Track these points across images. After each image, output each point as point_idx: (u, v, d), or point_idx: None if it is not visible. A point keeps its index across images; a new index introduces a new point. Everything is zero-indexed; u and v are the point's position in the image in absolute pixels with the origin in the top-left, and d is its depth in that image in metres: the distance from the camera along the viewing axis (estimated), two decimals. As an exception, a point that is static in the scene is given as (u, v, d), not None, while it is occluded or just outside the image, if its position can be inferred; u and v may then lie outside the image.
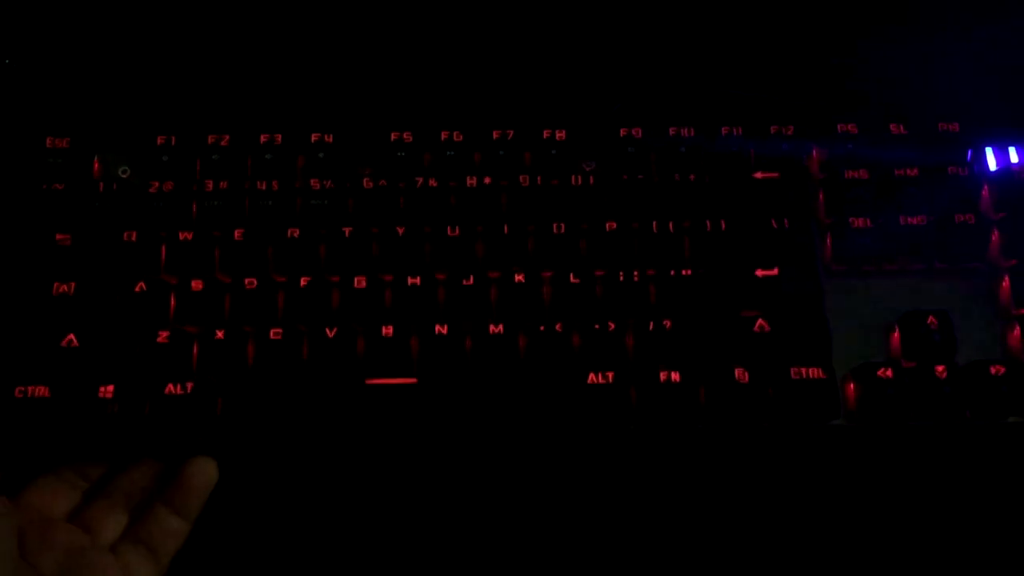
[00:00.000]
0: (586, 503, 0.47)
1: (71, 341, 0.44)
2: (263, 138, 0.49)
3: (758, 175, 0.48)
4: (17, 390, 0.43)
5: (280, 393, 0.43)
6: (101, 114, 0.52)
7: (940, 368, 0.44)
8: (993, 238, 0.47)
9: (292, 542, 0.46)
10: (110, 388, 0.43)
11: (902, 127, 0.49)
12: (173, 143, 0.48)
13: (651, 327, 0.44)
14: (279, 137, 0.49)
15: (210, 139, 0.48)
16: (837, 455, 0.47)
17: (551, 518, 0.47)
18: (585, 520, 0.47)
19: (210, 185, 0.47)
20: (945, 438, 0.45)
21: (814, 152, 0.49)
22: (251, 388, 0.43)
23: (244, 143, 0.49)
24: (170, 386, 0.43)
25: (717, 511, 0.47)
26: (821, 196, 0.48)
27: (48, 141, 0.48)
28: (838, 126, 0.49)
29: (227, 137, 0.49)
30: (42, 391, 0.43)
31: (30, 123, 0.49)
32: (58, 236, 0.46)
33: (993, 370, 0.44)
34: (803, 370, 0.44)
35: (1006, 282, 0.46)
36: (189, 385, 0.43)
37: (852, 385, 0.44)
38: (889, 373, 0.44)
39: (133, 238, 0.46)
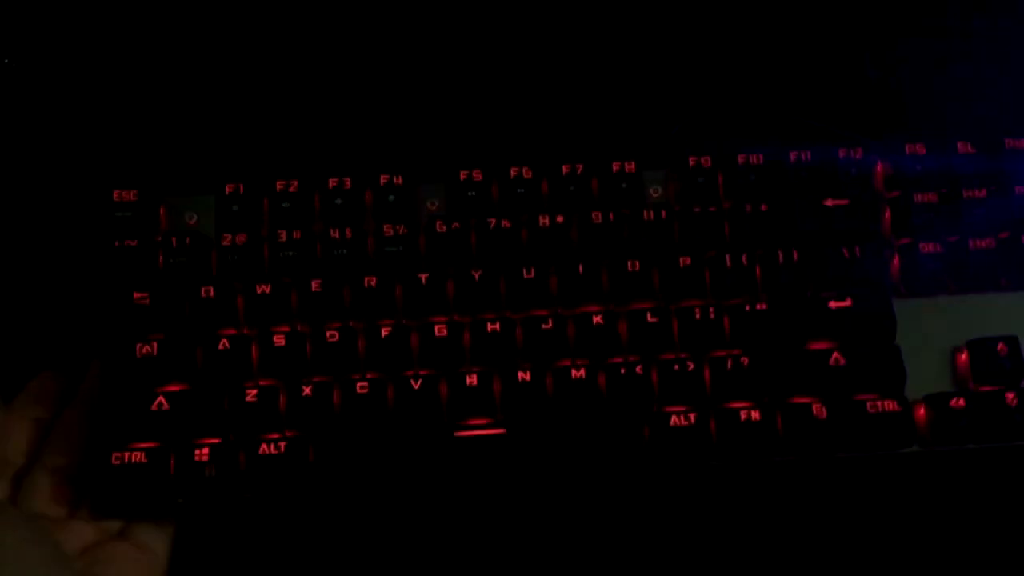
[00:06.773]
0: (679, 539, 0.49)
1: (161, 404, 0.44)
2: (332, 183, 0.48)
3: (828, 203, 0.48)
4: (114, 456, 0.43)
5: (369, 442, 0.44)
6: (164, 163, 0.51)
7: (1011, 395, 0.45)
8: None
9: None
10: (205, 452, 0.44)
11: (969, 146, 0.49)
12: (241, 191, 0.48)
13: (729, 364, 0.45)
14: (348, 181, 0.48)
15: (278, 186, 0.48)
16: (912, 479, 0.49)
17: (645, 563, 0.48)
18: (683, 558, 0.49)
19: (283, 235, 0.47)
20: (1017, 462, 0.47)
21: (879, 169, 0.49)
22: (341, 438, 0.44)
23: (312, 188, 0.48)
24: (264, 446, 0.44)
25: (799, 536, 0.49)
26: (888, 215, 0.49)
27: (115, 194, 0.48)
28: (906, 147, 0.49)
29: (295, 183, 0.48)
30: (139, 457, 0.43)
31: (95, 175, 0.48)
32: (136, 295, 0.46)
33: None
34: (879, 403, 0.45)
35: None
36: (283, 445, 0.44)
37: (923, 411, 0.46)
38: (961, 403, 0.45)
39: (211, 293, 0.46)
